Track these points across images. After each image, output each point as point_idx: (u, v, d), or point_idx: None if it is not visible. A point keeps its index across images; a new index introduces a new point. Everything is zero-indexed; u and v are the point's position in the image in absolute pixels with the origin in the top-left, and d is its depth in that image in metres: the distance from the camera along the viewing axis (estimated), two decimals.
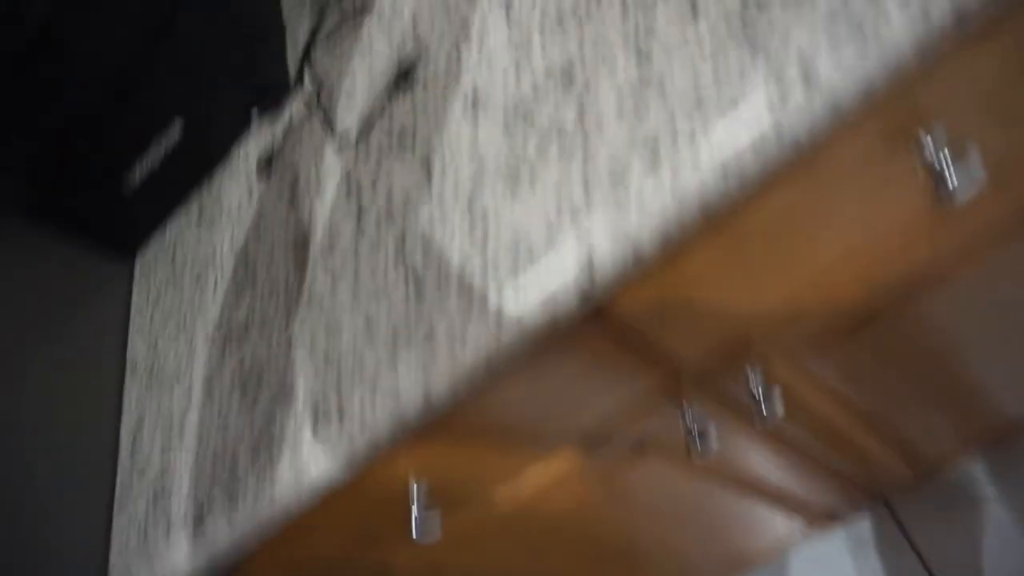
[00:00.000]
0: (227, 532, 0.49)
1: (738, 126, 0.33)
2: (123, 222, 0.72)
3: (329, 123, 0.56)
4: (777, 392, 0.54)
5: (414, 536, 0.49)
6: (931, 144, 0.37)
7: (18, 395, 0.63)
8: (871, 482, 0.90)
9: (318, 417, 0.46)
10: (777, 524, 0.89)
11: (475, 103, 0.47)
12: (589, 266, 0.37)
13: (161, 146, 0.66)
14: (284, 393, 0.50)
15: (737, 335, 0.50)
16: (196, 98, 0.63)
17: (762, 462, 0.71)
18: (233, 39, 0.61)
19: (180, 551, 0.52)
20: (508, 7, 0.48)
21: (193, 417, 0.57)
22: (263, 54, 0.64)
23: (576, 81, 0.42)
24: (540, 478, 0.58)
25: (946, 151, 0.36)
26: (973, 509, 0.97)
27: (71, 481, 0.63)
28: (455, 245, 0.43)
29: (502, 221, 0.41)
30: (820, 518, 0.94)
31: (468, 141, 0.46)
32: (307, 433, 0.47)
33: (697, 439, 0.53)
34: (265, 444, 0.49)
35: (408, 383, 0.42)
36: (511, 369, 0.43)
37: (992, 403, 0.78)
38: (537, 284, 0.38)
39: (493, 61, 0.47)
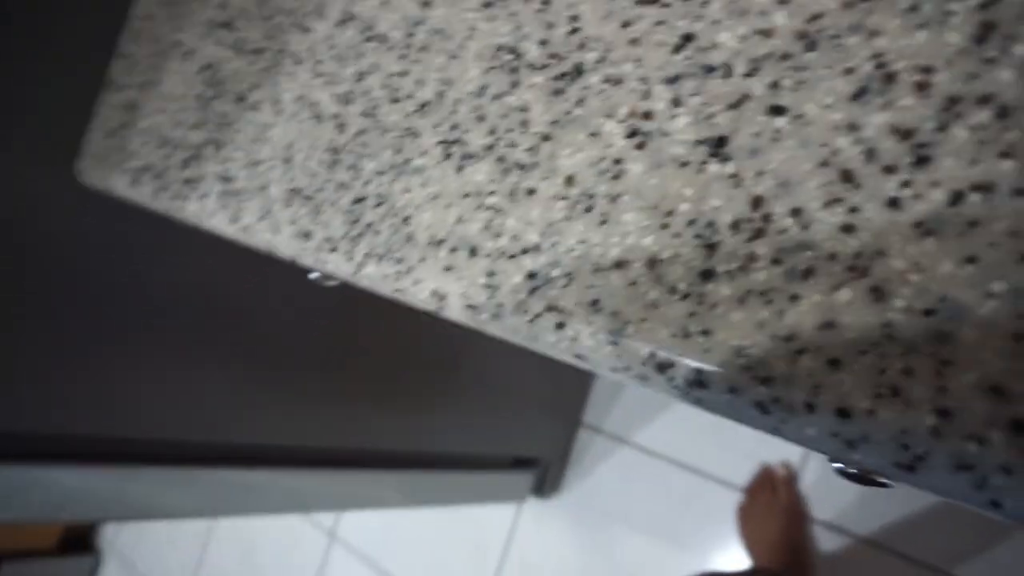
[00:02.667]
0: (146, 198, 0.54)
1: None
2: None
3: None
4: None
5: None
6: None
7: None
8: None
9: (228, 179, 0.47)
10: None
11: None
12: None
13: None
14: (229, 129, 0.49)
15: None
16: None
17: None
18: None
19: (120, 182, 0.58)
20: None
21: (170, 67, 0.57)
22: None
23: None
24: None
25: None
26: None
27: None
28: None
29: None
30: None
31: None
32: (219, 186, 0.48)
33: None
34: (195, 161, 0.51)
35: None
36: None
37: None
38: None
39: None
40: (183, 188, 0.50)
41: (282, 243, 0.42)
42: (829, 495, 1.14)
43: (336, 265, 0.38)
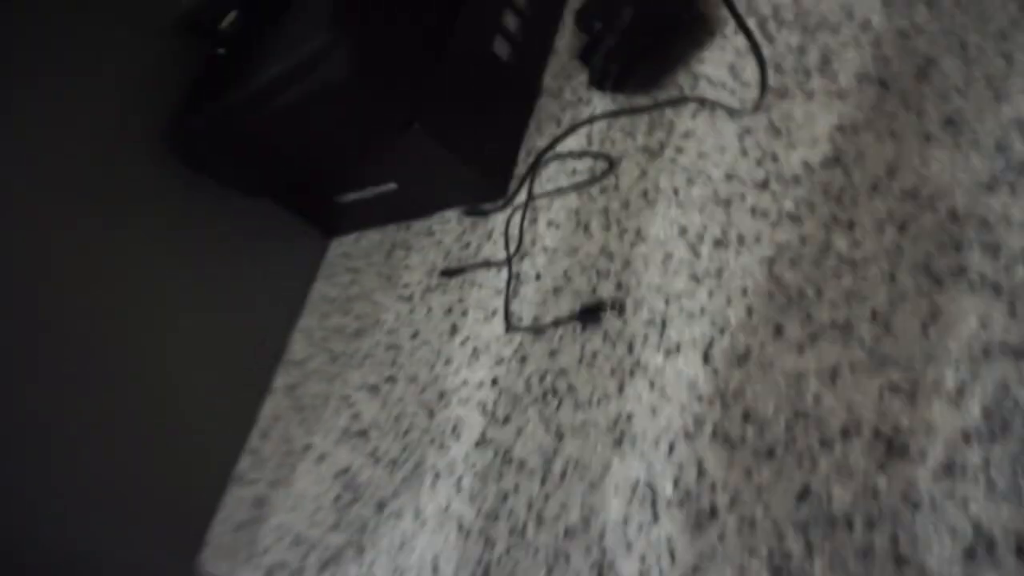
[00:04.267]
0: None
1: None
2: (326, 215, 0.78)
3: (507, 302, 0.56)
4: None
5: None
6: None
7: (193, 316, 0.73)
8: None
9: None
10: None
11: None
12: None
13: (376, 188, 0.69)
14: (370, 534, 0.56)
15: None
16: (414, 179, 0.64)
17: None
18: (466, 146, 0.61)
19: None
20: None
21: (303, 468, 0.65)
22: (490, 166, 0.63)
23: None
24: None
25: None
26: None
27: (211, 423, 0.74)
28: None
29: None
30: None
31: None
32: None
33: None
34: (334, 563, 0.56)
35: None
36: None
37: None
38: None
39: None
40: None
41: None
42: None
43: None
